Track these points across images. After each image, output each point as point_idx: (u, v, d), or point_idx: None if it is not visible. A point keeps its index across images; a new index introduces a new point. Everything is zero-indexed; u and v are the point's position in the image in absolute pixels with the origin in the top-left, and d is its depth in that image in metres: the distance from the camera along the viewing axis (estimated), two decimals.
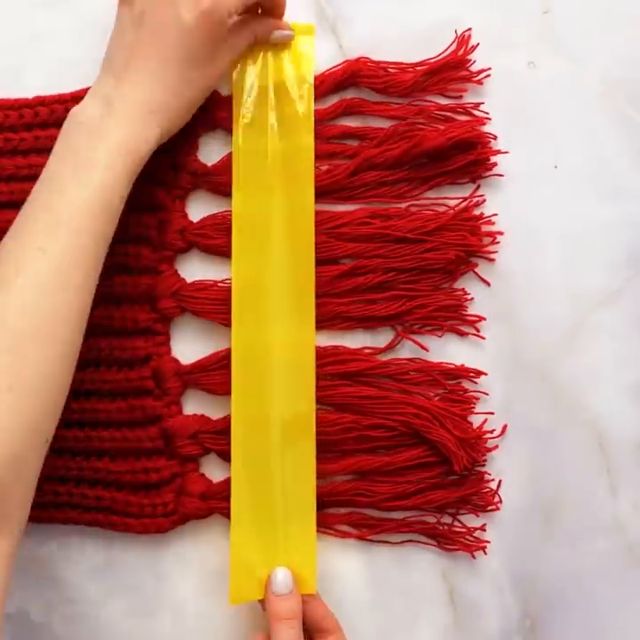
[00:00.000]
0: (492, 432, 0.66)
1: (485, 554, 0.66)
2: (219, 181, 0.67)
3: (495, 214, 0.67)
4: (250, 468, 0.65)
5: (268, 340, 0.66)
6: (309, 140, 0.67)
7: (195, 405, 0.67)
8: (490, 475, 0.66)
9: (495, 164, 0.67)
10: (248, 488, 0.65)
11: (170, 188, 0.67)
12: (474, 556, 0.66)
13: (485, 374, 0.66)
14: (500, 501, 0.66)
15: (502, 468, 0.66)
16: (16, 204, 0.65)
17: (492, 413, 0.66)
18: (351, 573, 0.67)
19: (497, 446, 0.66)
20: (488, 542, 0.66)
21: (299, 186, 0.66)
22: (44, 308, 0.54)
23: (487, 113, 0.67)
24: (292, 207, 0.66)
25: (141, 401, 0.66)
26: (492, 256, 0.67)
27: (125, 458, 0.66)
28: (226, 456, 0.66)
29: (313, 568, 0.64)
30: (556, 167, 0.68)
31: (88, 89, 0.66)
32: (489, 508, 0.66)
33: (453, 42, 0.68)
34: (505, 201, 0.67)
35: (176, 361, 0.67)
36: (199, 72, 0.62)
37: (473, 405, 0.66)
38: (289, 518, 0.65)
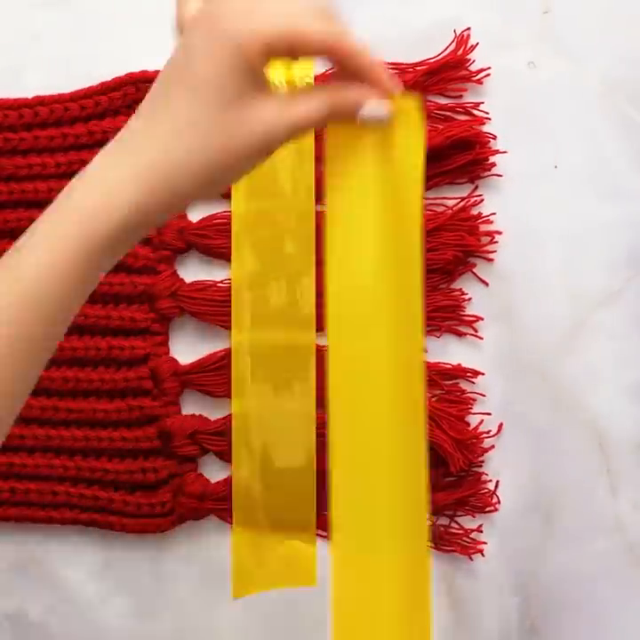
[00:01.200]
0: (488, 433, 0.66)
1: (483, 556, 0.66)
2: None
3: (493, 214, 0.67)
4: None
5: (268, 341, 0.66)
6: (310, 141, 0.67)
7: (193, 406, 0.67)
8: (487, 475, 0.66)
9: (494, 164, 0.67)
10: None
11: None
12: (471, 559, 0.66)
13: (482, 374, 0.66)
14: (499, 502, 0.66)
15: (502, 468, 0.66)
16: (15, 204, 0.66)
17: (490, 414, 0.66)
18: None
19: (493, 446, 0.66)
20: (485, 543, 0.66)
21: (300, 187, 0.67)
22: None
23: (487, 113, 0.67)
24: (295, 208, 0.67)
25: (139, 401, 0.66)
26: (491, 256, 0.67)
27: (123, 458, 0.66)
28: (224, 456, 0.66)
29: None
30: (555, 167, 0.68)
31: (87, 89, 0.67)
32: (487, 508, 0.66)
33: (452, 41, 0.67)
34: (505, 201, 0.67)
35: (174, 361, 0.67)
36: (214, 121, 0.43)
37: (470, 406, 0.66)
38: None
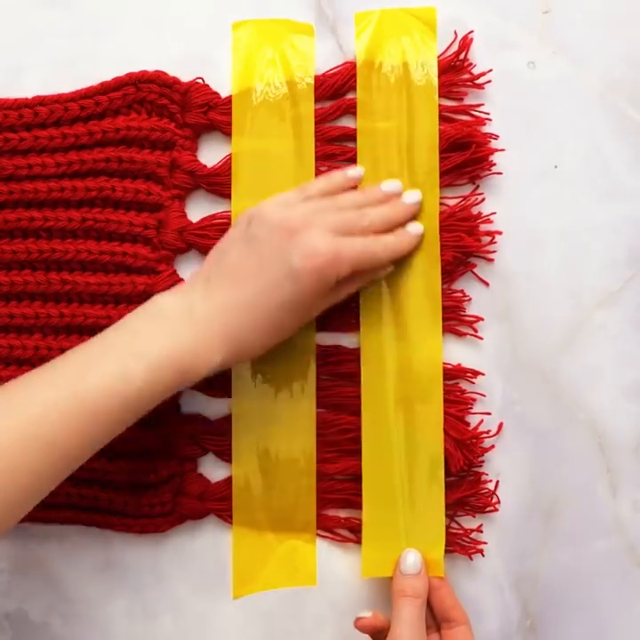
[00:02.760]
0: (488, 432, 0.66)
1: (483, 556, 0.66)
2: (218, 182, 0.67)
3: (494, 213, 0.67)
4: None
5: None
6: (310, 141, 0.67)
7: (193, 406, 0.67)
8: (488, 475, 0.66)
9: (493, 164, 0.67)
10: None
11: (168, 187, 0.67)
12: (471, 558, 0.66)
13: (483, 374, 0.66)
14: (499, 502, 0.66)
15: (502, 468, 0.66)
16: (15, 204, 0.66)
17: (490, 414, 0.66)
18: (351, 573, 0.67)
19: (493, 446, 0.66)
20: (485, 543, 0.66)
21: (304, 171, 0.66)
22: None
23: (487, 113, 0.67)
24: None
25: None
26: (491, 256, 0.67)
27: (123, 458, 0.66)
28: (224, 456, 0.66)
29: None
30: (556, 167, 0.67)
31: (87, 89, 0.67)
32: (487, 508, 0.66)
33: (453, 42, 0.67)
34: (505, 201, 0.67)
35: None
36: (292, 319, 0.59)
37: (470, 406, 0.66)
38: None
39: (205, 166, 0.67)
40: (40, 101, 0.67)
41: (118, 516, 0.66)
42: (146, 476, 0.65)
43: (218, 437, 0.66)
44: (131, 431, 0.65)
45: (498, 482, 0.66)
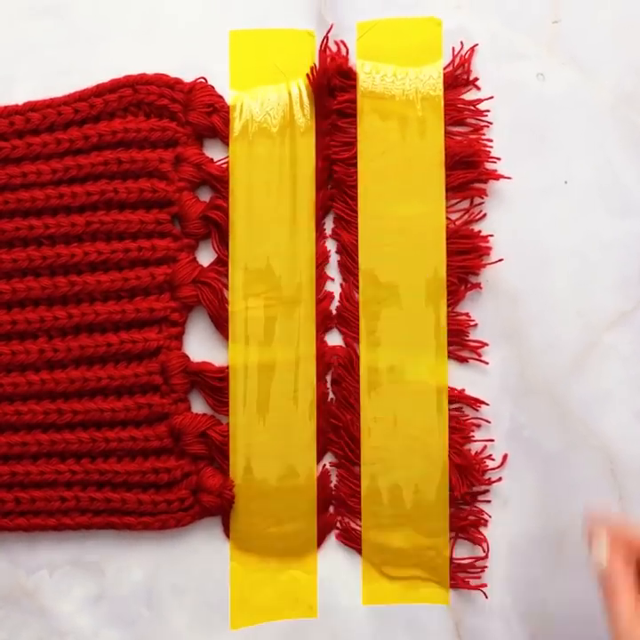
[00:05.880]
0: (494, 460, 0.65)
1: (486, 597, 0.65)
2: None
3: (501, 231, 0.65)
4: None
5: (268, 359, 0.65)
6: (310, 166, 0.66)
7: (202, 405, 0.66)
8: (496, 502, 0.65)
9: (500, 178, 0.65)
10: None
11: (173, 181, 0.65)
12: (479, 589, 0.65)
13: (487, 404, 0.65)
14: (507, 530, 0.65)
15: (510, 494, 0.65)
16: (11, 214, 0.65)
17: (492, 440, 0.65)
18: (354, 604, 0.65)
19: (501, 473, 0.65)
20: (485, 586, 0.65)
21: (302, 189, 0.66)
22: None
23: (494, 125, 0.66)
24: (295, 212, 0.65)
25: (148, 398, 0.65)
26: (498, 275, 0.65)
27: (133, 458, 0.65)
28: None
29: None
30: (565, 182, 0.66)
31: (81, 91, 0.66)
32: (495, 537, 0.65)
33: (458, 53, 0.66)
34: (513, 217, 0.66)
35: (185, 357, 0.65)
36: None
37: (472, 432, 0.65)
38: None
39: (211, 160, 0.66)
40: (31, 107, 0.66)
41: (134, 515, 0.65)
42: (158, 476, 0.64)
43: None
44: (139, 430, 0.64)
45: (506, 509, 0.64)
